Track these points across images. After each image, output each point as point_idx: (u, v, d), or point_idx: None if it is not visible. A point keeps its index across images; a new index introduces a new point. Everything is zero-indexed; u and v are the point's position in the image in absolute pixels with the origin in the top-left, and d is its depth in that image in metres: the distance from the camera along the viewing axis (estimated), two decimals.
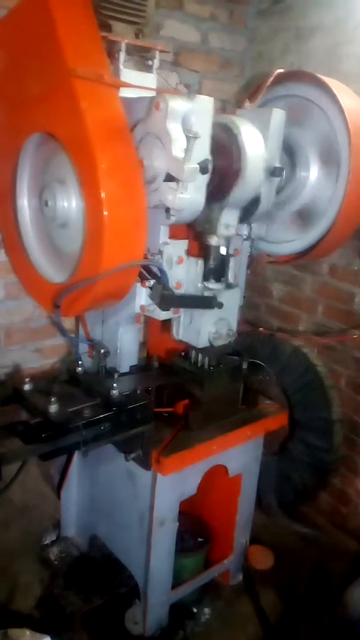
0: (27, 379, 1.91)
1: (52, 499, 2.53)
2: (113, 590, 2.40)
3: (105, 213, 1.63)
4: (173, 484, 2.04)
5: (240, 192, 1.87)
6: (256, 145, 1.84)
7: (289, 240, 2.21)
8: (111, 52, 1.85)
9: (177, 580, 2.27)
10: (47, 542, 2.63)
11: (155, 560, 2.12)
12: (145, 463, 1.96)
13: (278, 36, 2.68)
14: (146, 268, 1.92)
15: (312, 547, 2.63)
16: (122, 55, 1.85)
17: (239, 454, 2.26)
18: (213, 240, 1.99)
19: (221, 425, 2.13)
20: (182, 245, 1.96)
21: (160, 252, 1.90)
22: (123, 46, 1.85)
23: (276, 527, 2.71)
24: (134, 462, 1.99)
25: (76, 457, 2.50)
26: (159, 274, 1.90)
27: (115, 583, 2.42)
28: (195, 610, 2.37)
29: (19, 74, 1.89)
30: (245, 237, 2.15)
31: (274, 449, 2.62)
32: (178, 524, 2.14)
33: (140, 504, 2.12)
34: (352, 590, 2.26)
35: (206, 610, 2.38)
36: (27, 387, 1.90)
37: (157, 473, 1.97)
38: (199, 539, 2.46)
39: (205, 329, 2.04)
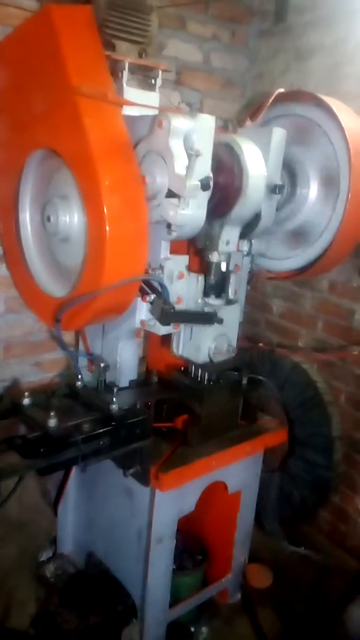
0: (26, 393, 1.91)
1: (49, 515, 2.51)
2: (110, 608, 2.37)
3: (107, 228, 1.64)
4: (171, 501, 2.02)
5: (242, 210, 1.90)
6: (257, 163, 1.87)
7: (288, 256, 2.22)
8: (115, 70, 1.88)
9: (175, 599, 2.24)
10: (43, 558, 2.59)
11: (153, 578, 2.10)
12: (143, 479, 1.95)
13: (279, 56, 2.72)
14: (147, 283, 1.93)
15: (311, 566, 2.60)
16: (126, 74, 1.88)
17: (238, 471, 2.24)
18: (214, 257, 2.02)
19: (220, 441, 2.12)
20: (182, 260, 1.98)
21: (161, 267, 1.92)
22: (126, 65, 1.88)
23: (275, 545, 2.68)
24: (133, 477, 1.97)
25: (74, 472, 2.49)
26: (160, 289, 1.91)
27: (111, 601, 2.39)
28: (192, 629, 2.33)
29: (24, 91, 1.92)
30: (245, 253, 2.17)
31: (274, 466, 2.61)
32: (176, 541, 2.12)
33: (138, 520, 2.10)
34: (352, 609, 2.23)
35: (204, 629, 2.34)
36: (26, 401, 1.89)
37: (156, 489, 1.95)
38: (197, 557, 2.43)
39: (205, 345, 2.05)
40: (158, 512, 2.01)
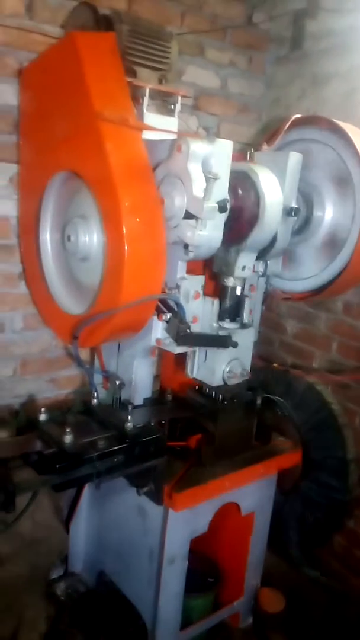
0: (42, 409, 1.93)
1: (61, 532, 2.50)
2: (119, 629, 2.34)
3: (126, 248, 1.68)
4: (184, 521, 2.02)
5: (258, 236, 1.93)
6: (274, 190, 1.91)
7: (305, 277, 2.24)
8: (135, 96, 1.94)
9: (186, 621, 2.22)
10: (54, 576, 2.59)
11: (164, 599, 2.08)
12: (157, 498, 1.95)
13: (295, 82, 2.77)
14: (163, 302, 1.95)
15: (325, 592, 2.55)
16: (146, 100, 1.94)
17: (252, 492, 2.23)
18: (229, 282, 2.04)
19: (234, 461, 2.12)
20: (199, 280, 2.00)
21: (178, 287, 1.94)
22: (147, 91, 1.94)
23: (288, 570, 2.64)
24: (146, 496, 1.97)
25: (86, 490, 2.49)
26: (176, 308, 1.93)
27: (122, 621, 2.36)
28: None
29: (48, 115, 1.98)
30: (261, 273, 2.19)
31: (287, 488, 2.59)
32: (188, 562, 2.10)
33: (150, 540, 2.09)
34: None
35: None
36: (42, 417, 1.91)
37: (169, 509, 1.95)
38: (209, 579, 2.41)
39: (219, 368, 2.06)
40: (171, 532, 2.00)
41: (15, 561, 2.28)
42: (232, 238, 1.88)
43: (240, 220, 1.87)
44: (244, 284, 2.10)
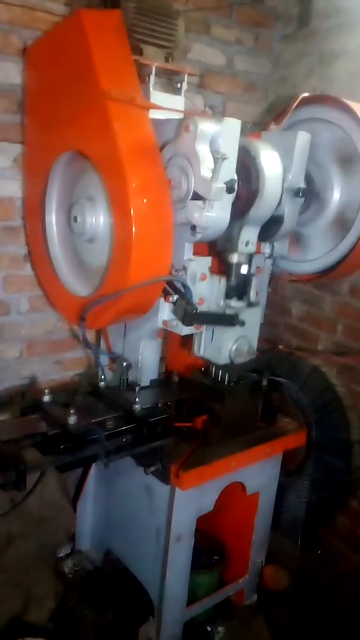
0: (46, 390, 1.94)
1: (68, 511, 2.52)
2: (127, 605, 2.39)
3: (134, 229, 1.67)
4: (191, 500, 2.04)
5: (259, 210, 1.92)
6: (274, 166, 1.90)
7: (312, 258, 2.23)
8: (142, 74, 1.91)
9: (192, 598, 2.26)
10: (61, 555, 2.63)
11: (171, 576, 2.11)
12: (164, 477, 1.97)
13: (302, 60, 2.73)
14: (170, 283, 1.95)
15: (328, 570, 2.59)
16: (153, 78, 1.91)
17: (257, 472, 2.25)
18: (234, 258, 2.03)
19: (240, 442, 2.13)
20: (205, 262, 1.99)
21: (185, 269, 1.94)
22: (154, 69, 1.91)
23: (292, 548, 2.68)
24: (153, 475, 2.00)
25: (93, 470, 2.52)
26: (183, 290, 1.93)
27: (129, 598, 2.41)
28: (209, 628, 2.35)
29: (53, 95, 1.96)
30: (267, 255, 2.18)
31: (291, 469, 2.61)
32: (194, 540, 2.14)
33: (157, 519, 2.12)
34: None
35: (220, 629, 2.35)
36: (46, 398, 1.93)
37: (176, 487, 1.97)
38: (214, 557, 2.44)
39: (226, 346, 2.06)
40: (177, 511, 2.02)
41: (24, 539, 2.31)
42: (234, 213, 1.87)
43: (241, 194, 1.86)
44: (250, 262, 2.09)
